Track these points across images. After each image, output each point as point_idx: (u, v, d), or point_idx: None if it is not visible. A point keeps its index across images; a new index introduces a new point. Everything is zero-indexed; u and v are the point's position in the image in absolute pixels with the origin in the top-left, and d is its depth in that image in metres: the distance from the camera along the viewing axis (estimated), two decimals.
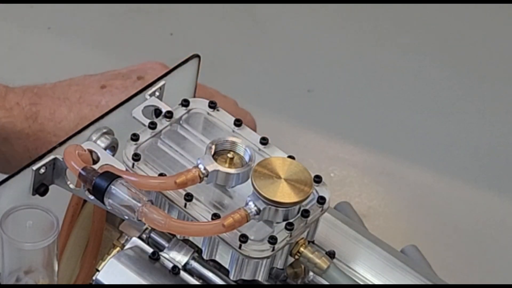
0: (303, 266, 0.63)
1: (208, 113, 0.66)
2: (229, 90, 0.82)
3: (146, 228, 0.64)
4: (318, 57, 1.23)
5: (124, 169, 0.61)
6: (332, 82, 1.20)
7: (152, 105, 0.66)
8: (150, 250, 0.63)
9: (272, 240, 0.58)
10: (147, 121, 0.64)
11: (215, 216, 0.59)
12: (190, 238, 0.62)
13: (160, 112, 0.65)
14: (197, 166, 0.60)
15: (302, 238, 0.61)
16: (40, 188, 0.64)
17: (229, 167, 0.60)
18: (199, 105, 0.66)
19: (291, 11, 1.28)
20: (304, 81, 1.19)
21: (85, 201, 0.67)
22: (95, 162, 0.62)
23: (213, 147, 0.61)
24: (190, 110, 0.65)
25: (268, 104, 1.14)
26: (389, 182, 1.10)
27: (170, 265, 0.62)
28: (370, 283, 0.64)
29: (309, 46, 1.25)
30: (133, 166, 0.61)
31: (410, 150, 1.14)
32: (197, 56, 0.70)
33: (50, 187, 0.65)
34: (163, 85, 0.68)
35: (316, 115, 1.15)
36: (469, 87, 1.25)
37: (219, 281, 0.62)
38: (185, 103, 0.65)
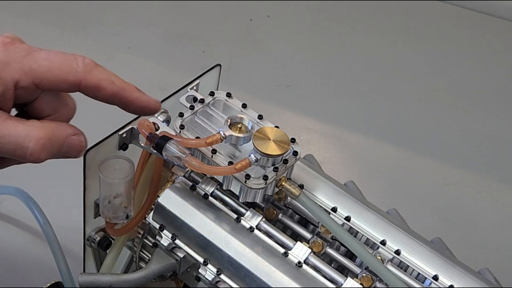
0: (284, 193, 0.63)
1: (226, 100, 0.65)
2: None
3: (188, 170, 0.64)
4: (294, 63, 1.22)
5: (174, 134, 0.61)
6: (303, 81, 1.19)
7: (192, 95, 0.65)
8: (190, 184, 0.63)
9: (265, 177, 0.58)
10: (188, 105, 0.64)
11: (230, 163, 0.59)
12: (215, 176, 0.62)
13: (196, 99, 0.65)
14: (219, 132, 0.59)
15: (283, 176, 0.61)
16: (123, 146, 0.64)
17: (239, 133, 0.60)
18: (220, 95, 0.65)
19: (281, 33, 1.26)
20: (285, 80, 1.18)
21: (150, 153, 0.66)
22: (156, 130, 0.61)
23: (229, 120, 0.61)
24: (215, 98, 0.65)
25: (261, 95, 1.13)
26: (337, 142, 1.09)
27: (203, 193, 0.62)
28: (325, 204, 0.63)
29: (288, 55, 1.23)
30: (180, 132, 0.61)
31: (350, 121, 1.12)
32: (219, 65, 0.70)
33: (129, 145, 0.64)
34: (198, 82, 0.67)
35: (292, 101, 1.14)
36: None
37: (233, 203, 0.62)
38: (211, 93, 0.65)
